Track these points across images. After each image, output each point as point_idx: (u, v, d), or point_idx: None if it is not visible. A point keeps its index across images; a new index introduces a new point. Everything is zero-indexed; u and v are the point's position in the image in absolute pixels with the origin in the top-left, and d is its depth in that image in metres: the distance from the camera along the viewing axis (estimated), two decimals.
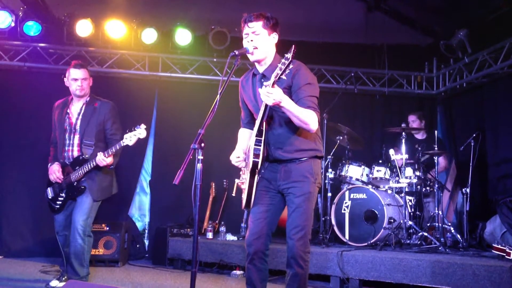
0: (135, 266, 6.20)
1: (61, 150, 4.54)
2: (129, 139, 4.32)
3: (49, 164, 4.57)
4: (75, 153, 4.49)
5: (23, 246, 6.55)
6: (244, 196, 3.15)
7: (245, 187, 3.14)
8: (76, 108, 4.59)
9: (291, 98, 2.96)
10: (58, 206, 4.51)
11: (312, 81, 3.11)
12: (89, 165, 4.38)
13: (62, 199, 4.49)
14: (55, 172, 4.46)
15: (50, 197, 4.57)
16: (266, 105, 2.91)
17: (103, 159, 4.31)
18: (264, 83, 2.82)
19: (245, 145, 3.29)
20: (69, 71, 4.56)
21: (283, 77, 2.77)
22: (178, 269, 5.99)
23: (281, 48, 3.29)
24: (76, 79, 4.50)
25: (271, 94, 2.77)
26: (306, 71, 3.09)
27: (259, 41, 3.06)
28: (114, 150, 4.33)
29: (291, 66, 2.75)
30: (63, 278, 4.61)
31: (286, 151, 3.10)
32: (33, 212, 6.53)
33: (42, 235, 6.46)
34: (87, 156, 4.43)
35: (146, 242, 7.10)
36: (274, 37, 3.13)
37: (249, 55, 3.10)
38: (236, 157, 3.20)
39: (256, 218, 3.17)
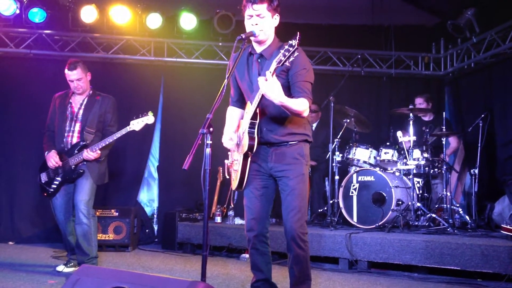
0: (145, 250, 6.26)
1: (60, 136, 4.64)
2: (136, 124, 4.52)
3: (46, 152, 4.66)
4: (75, 140, 4.61)
5: (34, 232, 6.65)
6: (236, 177, 3.17)
7: (236, 168, 3.16)
8: (78, 100, 4.72)
9: (287, 81, 2.99)
10: (52, 190, 4.62)
11: (308, 66, 3.11)
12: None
13: (57, 182, 4.60)
14: (53, 157, 4.55)
15: (43, 181, 4.69)
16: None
17: (91, 154, 4.45)
18: (267, 72, 2.80)
19: (235, 125, 3.31)
20: (65, 72, 4.66)
21: (287, 63, 2.75)
22: (187, 253, 6.04)
23: (286, 31, 3.27)
24: (72, 80, 4.63)
25: (269, 84, 2.75)
26: (304, 56, 3.09)
27: (264, 24, 3.04)
28: (103, 145, 4.48)
29: (295, 54, 2.72)
30: (70, 264, 4.71)
31: (277, 134, 3.11)
32: (43, 198, 6.57)
33: (53, 221, 6.46)
34: (87, 142, 4.56)
35: (155, 227, 7.16)
36: (276, 19, 3.12)
37: (252, 37, 3.08)
38: (229, 139, 3.22)
39: (252, 203, 3.20)
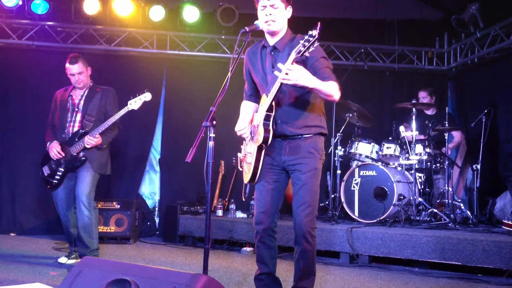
0: (146, 243, 6.28)
1: (62, 127, 4.65)
2: (134, 104, 4.54)
3: (48, 143, 4.67)
4: (76, 129, 4.62)
5: (35, 224, 6.66)
6: (249, 171, 3.14)
7: (250, 161, 3.13)
8: (79, 93, 4.75)
9: None
10: (56, 181, 4.62)
11: (326, 55, 3.12)
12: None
13: (60, 173, 4.60)
14: (55, 147, 4.56)
15: (46, 174, 4.69)
16: (281, 82, 2.85)
17: (91, 139, 4.44)
18: (287, 63, 2.76)
19: (249, 117, 3.28)
20: (66, 66, 4.68)
21: (306, 54, 2.72)
22: (188, 246, 6.05)
23: (289, 24, 3.25)
24: (73, 74, 4.65)
25: (291, 71, 2.72)
26: (319, 46, 3.07)
27: (277, 15, 3.03)
28: (103, 129, 4.48)
29: (316, 44, 2.70)
30: (72, 256, 4.72)
31: (293, 126, 3.08)
32: (45, 190, 6.57)
33: (55, 213, 6.49)
34: (87, 129, 4.55)
35: (157, 220, 7.17)
36: (289, 11, 3.11)
37: (264, 26, 3.06)
38: (240, 128, 3.18)
39: (263, 196, 3.17)
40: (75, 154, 4.53)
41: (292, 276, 3.20)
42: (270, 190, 3.16)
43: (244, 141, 3.30)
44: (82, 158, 4.54)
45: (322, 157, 3.15)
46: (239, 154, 3.30)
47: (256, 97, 3.34)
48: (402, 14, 7.33)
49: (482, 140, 5.91)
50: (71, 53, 4.85)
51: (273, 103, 2.99)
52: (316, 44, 2.70)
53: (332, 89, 2.92)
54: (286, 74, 2.73)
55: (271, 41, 3.14)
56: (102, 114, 4.65)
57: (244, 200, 6.38)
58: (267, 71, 3.14)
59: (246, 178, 3.20)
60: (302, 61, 2.97)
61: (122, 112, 4.51)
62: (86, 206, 4.49)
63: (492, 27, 6.53)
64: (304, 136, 3.10)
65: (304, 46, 2.68)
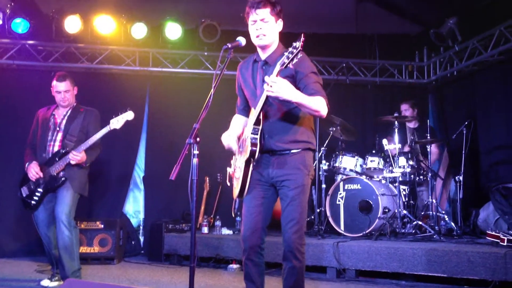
0: (131, 262, 6.19)
1: (43, 147, 4.59)
2: (116, 123, 4.50)
3: (27, 164, 4.60)
4: (56, 148, 4.56)
5: (17, 246, 6.50)
6: (237, 185, 3.11)
7: (238, 176, 3.10)
8: (62, 112, 4.71)
9: (295, 86, 2.91)
10: (34, 202, 4.54)
11: (315, 70, 3.12)
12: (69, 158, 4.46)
13: (39, 194, 4.52)
14: (33, 167, 4.50)
15: (24, 195, 4.62)
16: (267, 95, 2.84)
17: (76, 154, 4.39)
18: (272, 75, 2.76)
19: (238, 131, 3.26)
20: (52, 83, 4.66)
21: (290, 66, 2.72)
22: (174, 264, 5.98)
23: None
24: (59, 91, 4.63)
25: (274, 84, 2.72)
26: (309, 60, 3.08)
27: (268, 29, 3.03)
28: (86, 146, 4.44)
29: (299, 56, 2.70)
30: (55, 278, 4.63)
31: (280, 141, 3.06)
32: (26, 211, 6.47)
33: (36, 235, 6.33)
34: (67, 149, 4.50)
35: (141, 239, 7.09)
36: (280, 24, 3.11)
37: (256, 41, 3.07)
38: (228, 136, 3.17)
39: (250, 213, 3.14)
40: (55, 174, 4.47)
41: None
42: (258, 206, 3.13)
43: (234, 156, 3.28)
44: (62, 178, 4.47)
45: (310, 173, 3.13)
46: (228, 169, 3.28)
47: (247, 112, 3.32)
48: (382, 28, 7.44)
49: (463, 152, 5.98)
50: (52, 71, 4.82)
51: (261, 117, 2.98)
52: (300, 55, 2.70)
53: (318, 105, 2.91)
54: (270, 86, 2.73)
55: (263, 55, 3.15)
56: (83, 134, 4.60)
57: (234, 216, 6.36)
58: (257, 85, 3.14)
59: (235, 193, 3.17)
60: (291, 75, 2.98)
61: (104, 131, 4.47)
62: (66, 225, 4.39)
63: (470, 41, 6.66)
64: (291, 151, 3.08)
65: (288, 58, 2.69)
